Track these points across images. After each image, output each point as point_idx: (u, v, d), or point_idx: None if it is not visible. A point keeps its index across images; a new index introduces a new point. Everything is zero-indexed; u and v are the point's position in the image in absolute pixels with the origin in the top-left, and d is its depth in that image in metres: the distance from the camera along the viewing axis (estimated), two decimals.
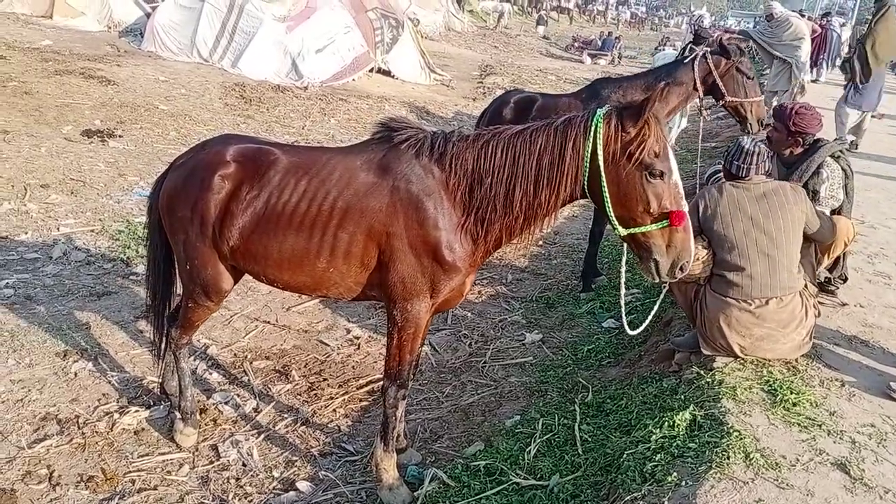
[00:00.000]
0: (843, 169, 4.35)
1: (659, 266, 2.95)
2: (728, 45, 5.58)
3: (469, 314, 5.89)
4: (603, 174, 2.88)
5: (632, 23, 55.40)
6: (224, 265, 3.63)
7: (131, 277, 5.97)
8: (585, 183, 2.96)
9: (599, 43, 29.81)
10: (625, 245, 3.13)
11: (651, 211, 2.87)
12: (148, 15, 15.83)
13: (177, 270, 3.92)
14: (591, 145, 2.88)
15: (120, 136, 9.57)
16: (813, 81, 18.13)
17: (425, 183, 3.15)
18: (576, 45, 31.10)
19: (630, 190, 2.87)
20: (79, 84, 11.39)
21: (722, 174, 4.25)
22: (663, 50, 21.63)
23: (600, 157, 2.87)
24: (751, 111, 5.72)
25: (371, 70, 16.29)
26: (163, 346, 4.13)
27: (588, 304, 5.91)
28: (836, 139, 10.09)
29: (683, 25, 47.75)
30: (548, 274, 6.85)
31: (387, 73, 16.81)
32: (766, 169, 3.93)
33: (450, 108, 15.35)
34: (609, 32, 33.05)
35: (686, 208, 2.90)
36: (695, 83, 5.53)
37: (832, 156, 4.33)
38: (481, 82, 19.11)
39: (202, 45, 14.56)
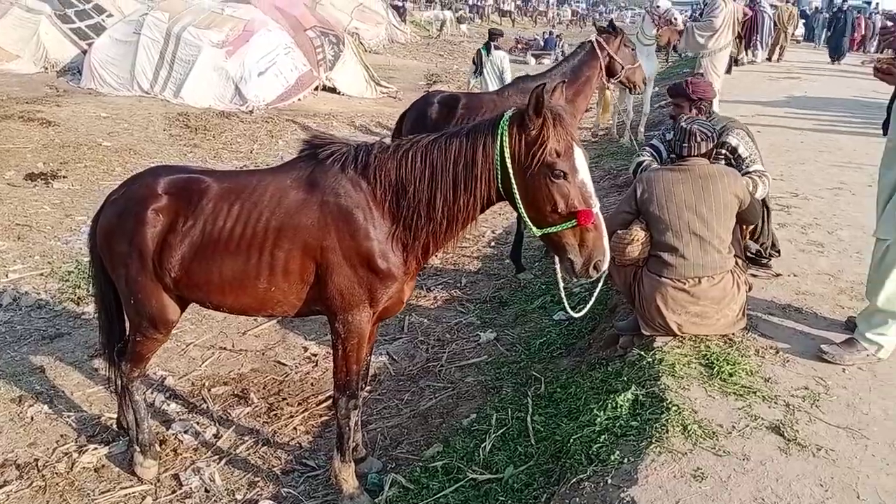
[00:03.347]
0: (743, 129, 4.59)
1: (574, 265, 2.97)
2: (616, 24, 6.20)
3: (425, 320, 5.96)
4: (512, 177, 2.94)
5: (573, 20, 56.23)
6: (168, 296, 3.65)
7: (83, 317, 5.93)
8: (499, 186, 3.02)
9: (542, 43, 30.25)
10: None
11: (559, 210, 2.90)
12: (84, 52, 15.66)
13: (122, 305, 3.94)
14: (499, 149, 2.95)
15: (64, 177, 9.48)
16: (750, 62, 18.65)
17: (353, 195, 3.22)
18: (519, 46, 31.45)
19: (536, 191, 2.92)
20: (18, 128, 11.24)
21: (647, 164, 4.45)
22: None
23: (508, 161, 2.93)
24: (636, 76, 6.35)
25: (316, 88, 16.33)
26: (119, 382, 4.12)
27: (539, 299, 6.03)
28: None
29: (627, 20, 48.51)
30: (500, 273, 6.96)
31: (332, 90, 16.84)
32: (703, 150, 3.96)
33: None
34: (550, 32, 33.51)
35: (597, 207, 2.93)
36: (599, 66, 5.88)
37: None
38: (427, 91, 19.19)
39: (142, 78, 14.47)
